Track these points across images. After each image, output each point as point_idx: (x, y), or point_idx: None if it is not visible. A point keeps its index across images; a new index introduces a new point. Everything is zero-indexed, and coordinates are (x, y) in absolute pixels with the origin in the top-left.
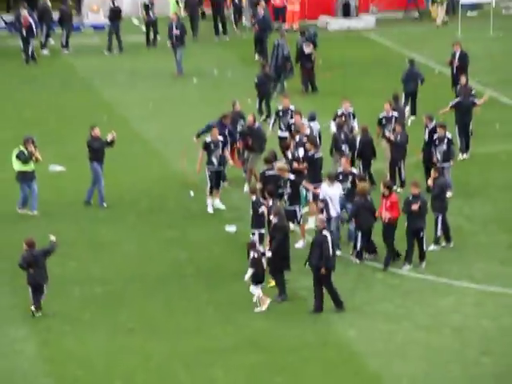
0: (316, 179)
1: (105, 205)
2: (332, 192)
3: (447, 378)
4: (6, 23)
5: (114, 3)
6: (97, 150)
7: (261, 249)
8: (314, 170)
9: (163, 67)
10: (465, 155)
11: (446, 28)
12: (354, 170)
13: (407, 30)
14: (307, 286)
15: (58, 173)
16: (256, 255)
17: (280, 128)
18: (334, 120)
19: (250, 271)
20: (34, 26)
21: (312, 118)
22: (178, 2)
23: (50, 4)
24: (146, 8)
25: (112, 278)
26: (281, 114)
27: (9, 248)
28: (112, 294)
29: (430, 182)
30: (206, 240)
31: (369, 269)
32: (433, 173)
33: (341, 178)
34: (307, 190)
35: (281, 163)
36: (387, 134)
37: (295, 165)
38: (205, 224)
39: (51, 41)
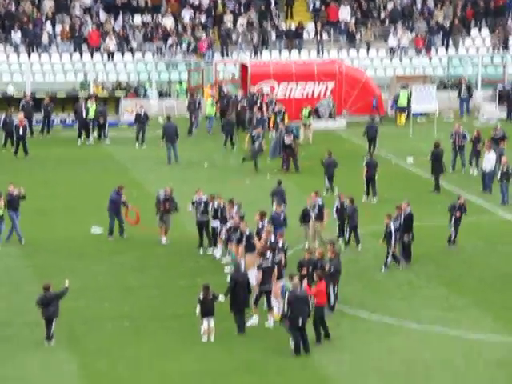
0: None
1: (23, 242)
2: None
3: None
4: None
5: (140, 110)
6: (10, 201)
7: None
8: None
9: (181, 155)
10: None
11: (401, 129)
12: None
13: None
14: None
15: (98, 234)
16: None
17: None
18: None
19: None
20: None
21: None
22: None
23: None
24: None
25: (138, 316)
26: (196, 204)
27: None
28: (137, 327)
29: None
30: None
31: (338, 313)
32: (329, 253)
33: None
34: None
35: None
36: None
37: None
38: (210, 273)
39: (95, 134)
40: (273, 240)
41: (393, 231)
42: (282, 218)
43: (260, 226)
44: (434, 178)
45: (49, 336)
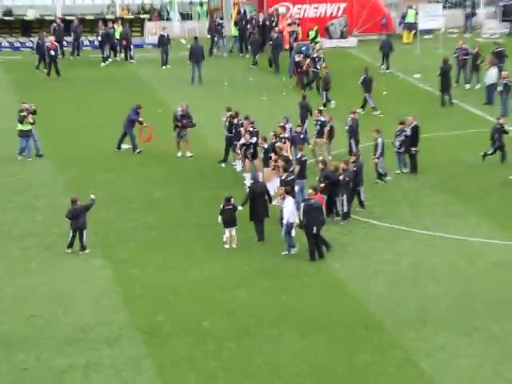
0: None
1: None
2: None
3: (404, 296)
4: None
5: (163, 32)
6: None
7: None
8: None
9: (203, 75)
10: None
11: (408, 46)
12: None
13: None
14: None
15: (125, 149)
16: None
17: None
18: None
19: (219, 218)
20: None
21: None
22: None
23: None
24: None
25: (164, 226)
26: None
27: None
28: (163, 236)
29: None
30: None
31: (352, 221)
32: (343, 164)
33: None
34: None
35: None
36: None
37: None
38: (232, 186)
39: (122, 55)
40: (285, 154)
41: (379, 145)
42: (302, 136)
43: (274, 142)
44: (442, 93)
45: (82, 246)
